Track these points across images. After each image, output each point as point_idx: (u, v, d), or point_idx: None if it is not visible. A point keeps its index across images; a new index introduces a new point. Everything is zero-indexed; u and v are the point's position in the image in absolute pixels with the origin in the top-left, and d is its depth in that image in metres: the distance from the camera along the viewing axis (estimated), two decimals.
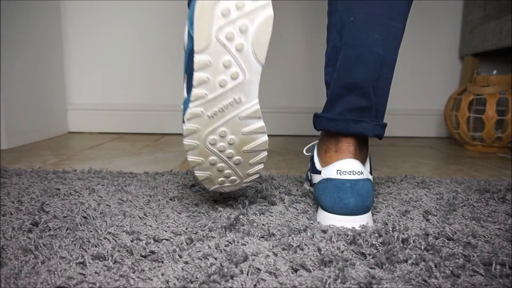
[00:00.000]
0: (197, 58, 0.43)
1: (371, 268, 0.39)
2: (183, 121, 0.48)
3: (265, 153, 0.50)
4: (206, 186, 0.53)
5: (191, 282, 0.35)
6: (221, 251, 0.41)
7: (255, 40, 0.43)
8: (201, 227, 0.48)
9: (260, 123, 0.48)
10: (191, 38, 0.45)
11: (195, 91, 0.45)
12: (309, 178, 0.63)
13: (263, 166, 0.52)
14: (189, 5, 0.53)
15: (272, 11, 0.43)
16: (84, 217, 0.52)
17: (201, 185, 0.68)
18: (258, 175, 0.53)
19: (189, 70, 0.46)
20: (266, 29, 0.43)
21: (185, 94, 0.49)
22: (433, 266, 0.38)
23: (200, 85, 0.44)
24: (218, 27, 0.41)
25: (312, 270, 0.38)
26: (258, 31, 0.42)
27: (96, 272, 0.37)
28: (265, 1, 0.42)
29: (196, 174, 0.51)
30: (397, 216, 0.54)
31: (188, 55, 0.46)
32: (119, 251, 0.41)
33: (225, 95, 0.44)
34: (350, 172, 0.50)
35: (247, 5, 0.41)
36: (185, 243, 0.43)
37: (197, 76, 0.43)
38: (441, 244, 0.44)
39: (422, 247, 0.43)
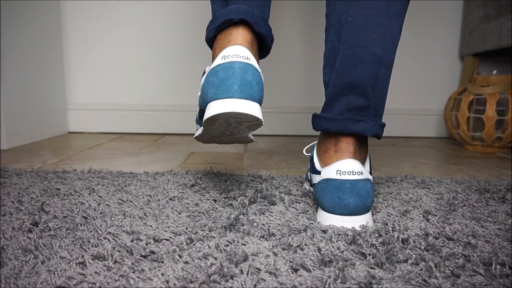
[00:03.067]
0: (205, 127, 0.56)
1: (371, 268, 0.39)
2: (196, 128, 0.66)
3: (251, 142, 0.67)
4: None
5: (191, 282, 0.35)
6: (221, 251, 0.41)
7: (248, 128, 0.56)
8: (201, 227, 0.48)
9: (250, 137, 0.64)
10: (201, 109, 0.59)
11: (203, 131, 0.58)
12: (309, 178, 0.63)
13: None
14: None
15: (263, 123, 0.54)
16: (84, 217, 0.52)
17: (201, 185, 0.68)
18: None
19: (200, 111, 0.62)
20: (257, 127, 0.56)
21: (197, 117, 0.66)
22: (433, 266, 0.38)
23: (207, 131, 0.58)
24: (220, 125, 0.54)
25: (312, 270, 0.38)
26: (250, 125, 0.55)
27: (96, 272, 0.37)
28: (258, 122, 0.52)
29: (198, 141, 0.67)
30: (397, 216, 0.54)
31: (199, 108, 0.62)
32: (119, 251, 0.41)
33: (224, 134, 0.60)
34: (350, 172, 0.50)
35: (244, 122, 0.53)
36: (185, 243, 0.43)
37: (205, 129, 0.57)
38: (441, 244, 0.44)
39: (422, 247, 0.43)
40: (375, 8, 0.52)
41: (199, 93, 0.59)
